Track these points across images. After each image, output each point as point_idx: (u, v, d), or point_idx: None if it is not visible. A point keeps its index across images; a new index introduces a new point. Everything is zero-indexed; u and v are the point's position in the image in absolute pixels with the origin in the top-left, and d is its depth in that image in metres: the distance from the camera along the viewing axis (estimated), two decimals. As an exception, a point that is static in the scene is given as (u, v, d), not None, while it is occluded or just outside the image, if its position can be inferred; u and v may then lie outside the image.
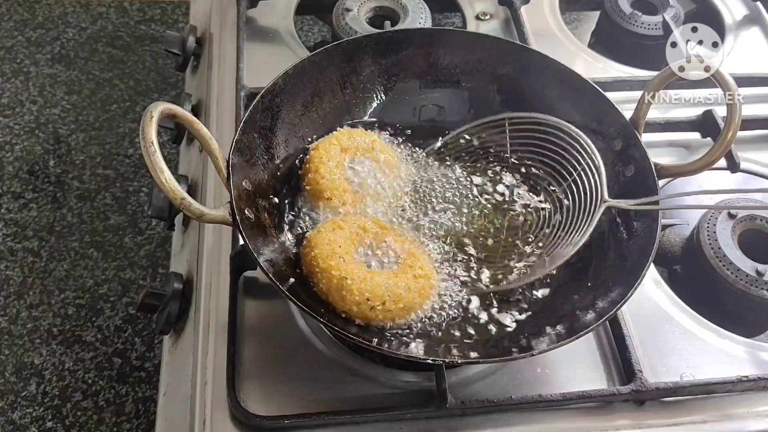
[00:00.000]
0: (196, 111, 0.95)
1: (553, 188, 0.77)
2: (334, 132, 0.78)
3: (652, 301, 0.76)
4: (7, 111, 1.53)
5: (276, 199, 0.73)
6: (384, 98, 0.83)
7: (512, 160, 0.80)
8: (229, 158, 0.66)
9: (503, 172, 0.79)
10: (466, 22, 1.07)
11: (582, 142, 0.74)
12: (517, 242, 0.74)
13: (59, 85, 1.58)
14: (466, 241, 0.73)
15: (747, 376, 0.68)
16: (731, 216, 0.81)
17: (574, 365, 0.71)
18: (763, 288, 0.76)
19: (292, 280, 0.66)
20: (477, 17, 1.07)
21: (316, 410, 0.64)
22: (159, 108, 0.59)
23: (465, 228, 0.74)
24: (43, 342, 1.20)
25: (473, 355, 0.64)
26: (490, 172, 0.79)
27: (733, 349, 0.73)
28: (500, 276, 0.71)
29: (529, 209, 0.76)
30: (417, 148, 0.81)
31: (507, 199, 0.77)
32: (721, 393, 0.69)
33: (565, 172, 0.76)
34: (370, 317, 0.64)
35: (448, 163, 0.80)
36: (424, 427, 0.66)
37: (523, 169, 0.79)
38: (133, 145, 1.49)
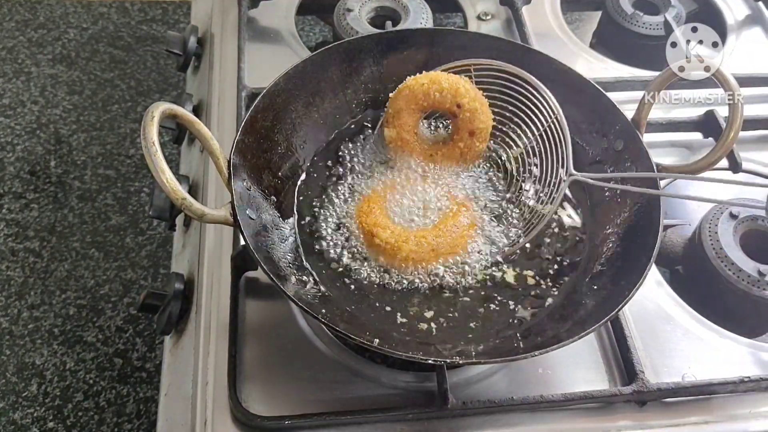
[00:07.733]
0: (197, 111, 0.95)
1: (518, 144, 0.78)
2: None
3: (653, 302, 0.76)
4: (9, 111, 1.53)
5: (277, 199, 0.73)
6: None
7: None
8: (230, 158, 0.66)
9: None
10: (467, 22, 1.07)
11: (547, 100, 0.74)
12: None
13: (60, 85, 1.58)
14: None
15: (749, 377, 0.68)
16: (733, 216, 0.81)
17: (576, 366, 0.71)
18: (765, 288, 0.76)
19: (293, 280, 0.66)
20: (478, 17, 1.07)
21: (318, 410, 0.64)
22: (160, 108, 0.59)
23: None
24: (44, 342, 1.20)
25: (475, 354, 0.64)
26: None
27: (735, 350, 0.73)
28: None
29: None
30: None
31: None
32: (723, 393, 0.69)
33: (528, 130, 0.76)
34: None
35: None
36: (425, 427, 0.66)
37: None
38: (134, 145, 1.49)
